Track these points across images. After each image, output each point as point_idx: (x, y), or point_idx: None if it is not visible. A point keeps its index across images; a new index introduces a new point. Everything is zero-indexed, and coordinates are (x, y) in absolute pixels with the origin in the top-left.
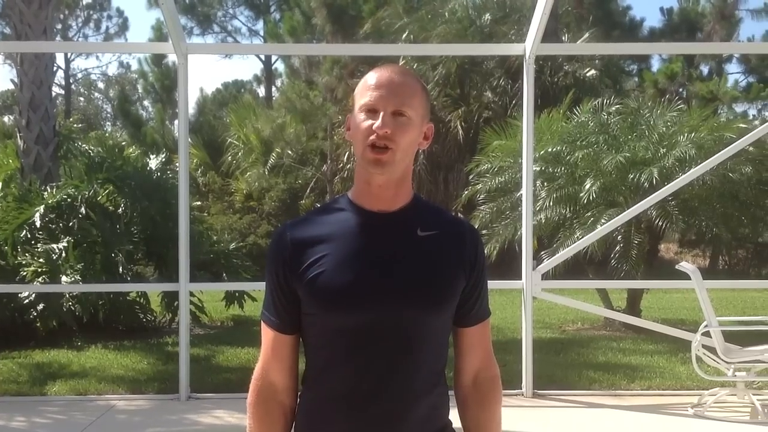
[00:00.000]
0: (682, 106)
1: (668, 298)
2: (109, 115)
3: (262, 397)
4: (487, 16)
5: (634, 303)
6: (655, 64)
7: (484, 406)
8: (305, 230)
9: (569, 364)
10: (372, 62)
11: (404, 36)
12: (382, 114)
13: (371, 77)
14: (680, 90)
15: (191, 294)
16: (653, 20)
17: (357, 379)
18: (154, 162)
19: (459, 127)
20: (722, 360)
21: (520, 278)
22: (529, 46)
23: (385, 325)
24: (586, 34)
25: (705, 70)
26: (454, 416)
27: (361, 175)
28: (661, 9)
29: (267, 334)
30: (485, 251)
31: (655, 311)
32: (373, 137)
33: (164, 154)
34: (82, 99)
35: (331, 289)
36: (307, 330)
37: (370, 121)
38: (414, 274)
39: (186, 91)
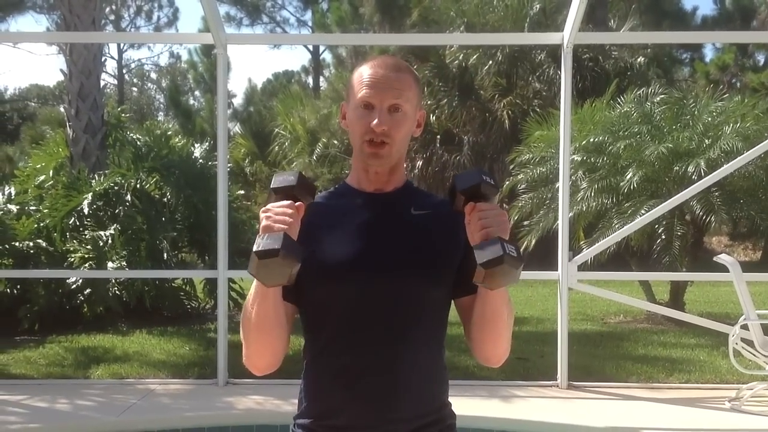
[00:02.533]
0: (726, 95)
1: (715, 291)
2: (161, 105)
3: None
4: (537, 4)
5: (677, 296)
6: (709, 54)
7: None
8: (308, 213)
9: (608, 356)
10: (419, 52)
11: (452, 26)
12: (378, 110)
13: (366, 71)
14: (733, 80)
15: (232, 281)
16: (707, 8)
17: (353, 354)
18: (198, 150)
19: (506, 116)
20: (761, 353)
21: (556, 269)
22: (567, 34)
23: (379, 298)
24: (631, 23)
25: (762, 59)
26: (456, 406)
27: (359, 163)
28: None
29: None
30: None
31: (701, 304)
32: (370, 134)
33: (208, 143)
34: (135, 89)
35: (325, 262)
36: (305, 310)
37: (367, 118)
38: (408, 248)
39: (225, 80)
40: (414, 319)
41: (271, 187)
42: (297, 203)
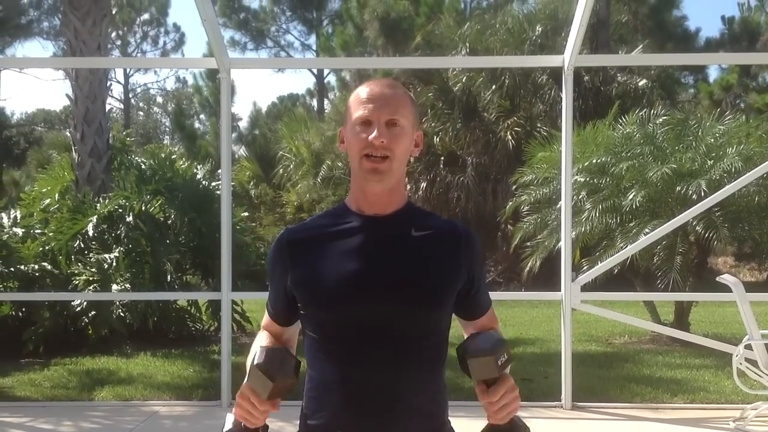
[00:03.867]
0: (730, 117)
1: (720, 312)
2: (167, 128)
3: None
4: (539, 27)
5: (682, 316)
6: (713, 76)
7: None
8: (303, 233)
9: (612, 377)
10: (422, 75)
11: (455, 49)
12: (376, 125)
13: (363, 91)
14: (737, 101)
15: (235, 303)
16: (712, 30)
17: (351, 372)
18: (201, 172)
19: (509, 138)
20: (765, 373)
21: (559, 290)
22: (568, 57)
23: (377, 322)
24: (635, 46)
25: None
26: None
27: (357, 185)
28: (723, 18)
29: (266, 320)
30: (530, 263)
31: (706, 325)
32: (369, 149)
33: (210, 164)
34: (141, 113)
35: (322, 289)
36: (304, 324)
37: (365, 134)
38: (405, 272)
39: (229, 104)
40: (414, 342)
41: (255, 364)
42: (274, 401)
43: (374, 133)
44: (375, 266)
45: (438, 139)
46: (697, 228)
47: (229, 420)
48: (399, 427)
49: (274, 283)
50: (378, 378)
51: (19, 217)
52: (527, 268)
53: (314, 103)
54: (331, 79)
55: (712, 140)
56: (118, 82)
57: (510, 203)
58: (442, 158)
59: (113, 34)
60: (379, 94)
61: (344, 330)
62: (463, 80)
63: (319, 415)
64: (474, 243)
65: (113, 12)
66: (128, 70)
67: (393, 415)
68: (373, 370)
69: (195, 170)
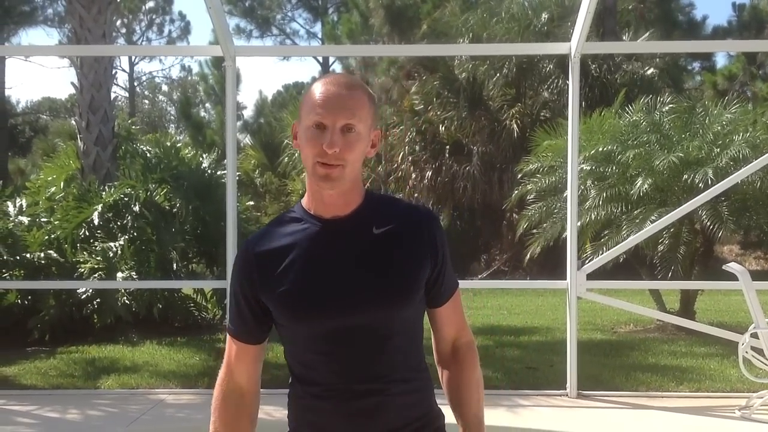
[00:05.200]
0: (737, 104)
1: (726, 300)
2: (172, 117)
3: (228, 400)
4: (544, 15)
5: (687, 305)
6: (720, 63)
7: (463, 367)
8: (266, 244)
9: (617, 365)
10: (428, 63)
11: (460, 37)
12: (330, 131)
13: (317, 90)
14: (743, 89)
15: None
16: (719, 18)
17: (336, 378)
18: (206, 161)
19: (515, 126)
20: None
21: (565, 278)
22: (574, 44)
23: (357, 327)
24: (641, 34)
25: None
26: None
27: (312, 186)
28: (733, 4)
29: (231, 345)
30: (532, 250)
31: (712, 313)
32: (322, 157)
33: (215, 153)
34: (146, 102)
35: (299, 301)
36: (282, 336)
37: (318, 139)
38: (376, 274)
39: (234, 92)
40: (389, 340)
41: None
42: None
43: (327, 141)
44: (346, 274)
45: (443, 128)
46: (703, 216)
47: None
48: (388, 422)
49: (242, 299)
50: (358, 381)
51: (24, 205)
52: (532, 256)
53: None
54: (336, 67)
55: (719, 128)
56: (123, 70)
57: (515, 192)
58: (448, 147)
59: (118, 22)
60: (335, 95)
61: (322, 338)
62: (469, 68)
63: (304, 417)
64: (436, 224)
65: (118, 0)
66: (133, 58)
67: (379, 413)
68: (352, 374)
69: (200, 159)
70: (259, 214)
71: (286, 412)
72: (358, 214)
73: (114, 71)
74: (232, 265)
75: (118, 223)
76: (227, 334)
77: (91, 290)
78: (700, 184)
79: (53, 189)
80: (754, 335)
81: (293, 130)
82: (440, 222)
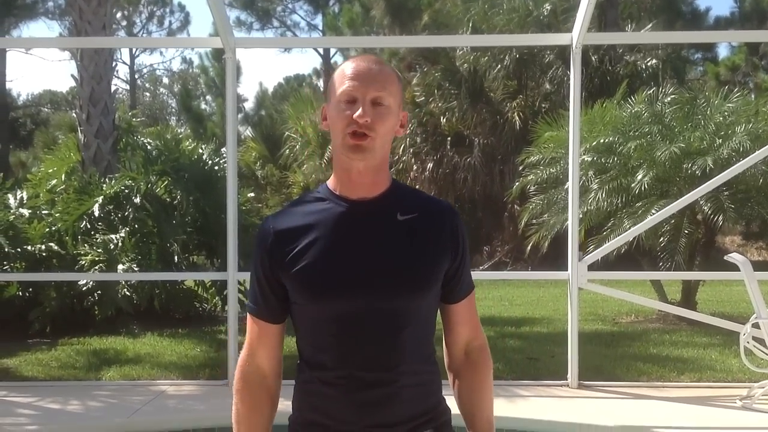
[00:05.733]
0: (739, 95)
1: (727, 290)
2: (173, 109)
3: (250, 382)
4: (546, 6)
5: (689, 295)
6: (722, 54)
7: (476, 372)
8: (288, 221)
9: (619, 356)
10: (429, 55)
11: (462, 28)
12: (361, 102)
13: (348, 67)
14: (745, 80)
15: (240, 283)
16: (721, 9)
17: (347, 363)
18: (206, 152)
19: (516, 118)
20: None
21: (566, 269)
22: (576, 35)
23: (372, 312)
24: (643, 25)
25: None
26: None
27: (341, 164)
28: None
29: (252, 325)
30: (533, 241)
31: (713, 304)
32: (353, 126)
33: (215, 143)
34: (147, 94)
35: (317, 280)
36: (296, 317)
37: (349, 111)
38: (397, 260)
39: (234, 84)
40: (403, 328)
41: None
42: None
43: (359, 111)
44: (367, 257)
45: (445, 120)
46: (705, 207)
47: None
48: (395, 414)
49: (263, 276)
50: (370, 368)
51: (25, 197)
52: (534, 247)
53: (320, 83)
54: (337, 58)
55: (721, 119)
56: (124, 62)
57: (517, 183)
58: (449, 139)
59: (118, 14)
60: (365, 70)
61: (336, 320)
62: (470, 60)
63: (312, 403)
64: (458, 218)
65: None
66: (134, 50)
67: (388, 403)
68: (364, 361)
69: (201, 151)
70: (260, 206)
71: (290, 403)
72: (385, 198)
73: (114, 64)
74: (232, 258)
75: (119, 216)
76: (248, 314)
77: (92, 282)
78: (698, 174)
79: (54, 181)
80: (756, 325)
81: (323, 112)
82: (460, 216)
